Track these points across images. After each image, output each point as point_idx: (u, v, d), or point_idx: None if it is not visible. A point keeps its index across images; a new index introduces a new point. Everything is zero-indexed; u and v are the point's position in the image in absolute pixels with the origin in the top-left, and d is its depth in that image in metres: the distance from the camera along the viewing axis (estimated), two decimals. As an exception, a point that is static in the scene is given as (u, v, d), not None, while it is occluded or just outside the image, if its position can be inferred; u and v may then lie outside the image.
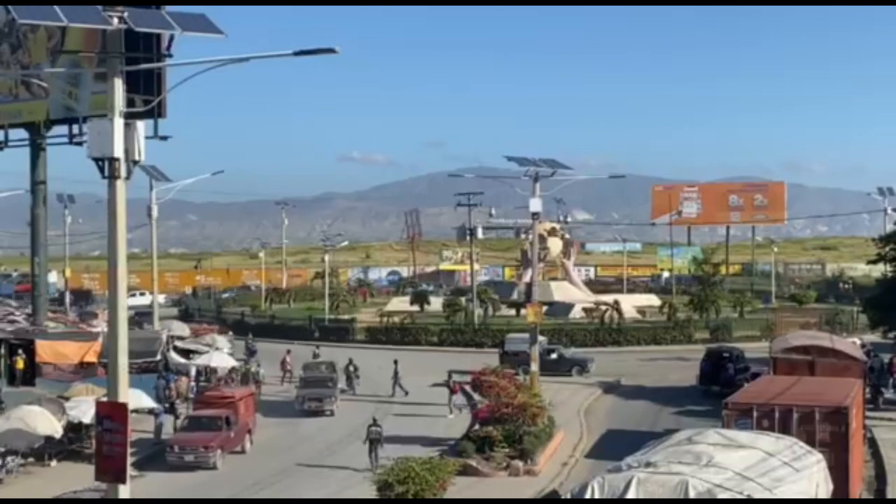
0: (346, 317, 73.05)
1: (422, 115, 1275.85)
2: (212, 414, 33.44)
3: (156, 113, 30.91)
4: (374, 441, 31.14)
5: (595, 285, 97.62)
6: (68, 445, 32.00)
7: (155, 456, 32.57)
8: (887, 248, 52.74)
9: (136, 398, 29.90)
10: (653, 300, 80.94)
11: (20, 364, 39.73)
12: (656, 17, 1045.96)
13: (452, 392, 39.83)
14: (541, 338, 43.84)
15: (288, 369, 48.16)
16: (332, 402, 40.48)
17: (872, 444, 31.93)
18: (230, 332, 61.38)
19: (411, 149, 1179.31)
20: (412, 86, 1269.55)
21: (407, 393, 43.90)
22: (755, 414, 22.89)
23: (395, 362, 44.89)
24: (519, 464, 30.38)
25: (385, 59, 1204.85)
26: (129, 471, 14.99)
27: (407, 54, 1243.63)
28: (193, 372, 43.95)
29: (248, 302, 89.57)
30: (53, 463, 31.09)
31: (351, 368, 45.02)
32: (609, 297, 72.10)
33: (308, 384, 41.36)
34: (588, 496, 15.94)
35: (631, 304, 74.64)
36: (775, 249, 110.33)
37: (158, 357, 42.32)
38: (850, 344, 38.91)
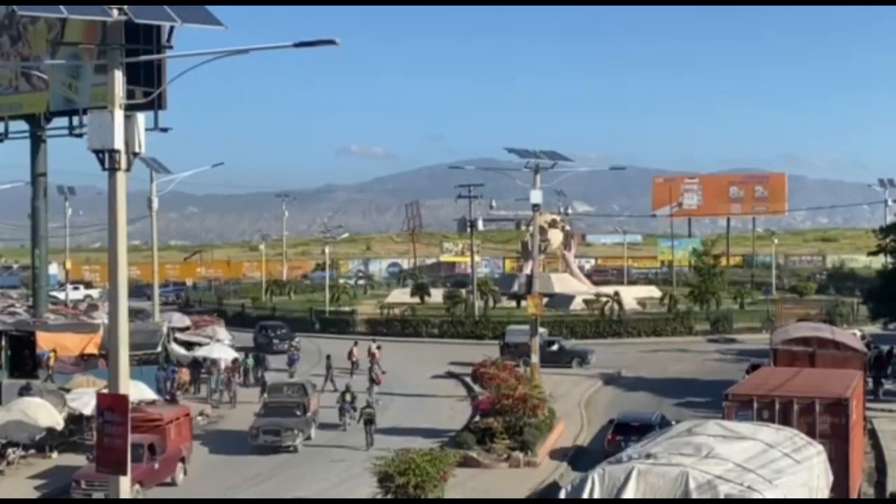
0: (346, 308, 73.16)
1: (420, 108, 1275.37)
2: (131, 440, 29.45)
3: (156, 105, 31.13)
4: (369, 422, 33.13)
5: (595, 276, 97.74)
6: (69, 437, 32.04)
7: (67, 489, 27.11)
8: (888, 240, 52.86)
9: (137, 390, 29.94)
10: (653, 292, 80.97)
11: (52, 361, 39.63)
12: (656, 12, 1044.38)
13: (375, 383, 40.43)
14: (541, 329, 43.87)
15: (354, 361, 48.09)
16: (295, 436, 32.57)
17: (873, 435, 32.00)
18: (296, 338, 54.88)
19: (410, 142, 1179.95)
20: (410, 80, 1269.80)
21: (336, 389, 41.05)
22: (756, 405, 22.91)
23: (328, 357, 45.26)
24: (519, 455, 30.41)
25: (382, 53, 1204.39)
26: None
27: (405, 49, 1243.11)
28: (223, 365, 43.66)
29: (248, 294, 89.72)
30: (54, 454, 31.09)
31: (347, 398, 36.30)
32: (609, 289, 72.17)
33: (268, 412, 33.89)
34: (588, 488, 15.94)
35: (631, 295, 74.74)
36: (776, 241, 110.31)
37: (159, 349, 42.33)
38: (851, 335, 38.98)
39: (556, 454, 31.80)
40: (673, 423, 29.96)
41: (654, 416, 31.52)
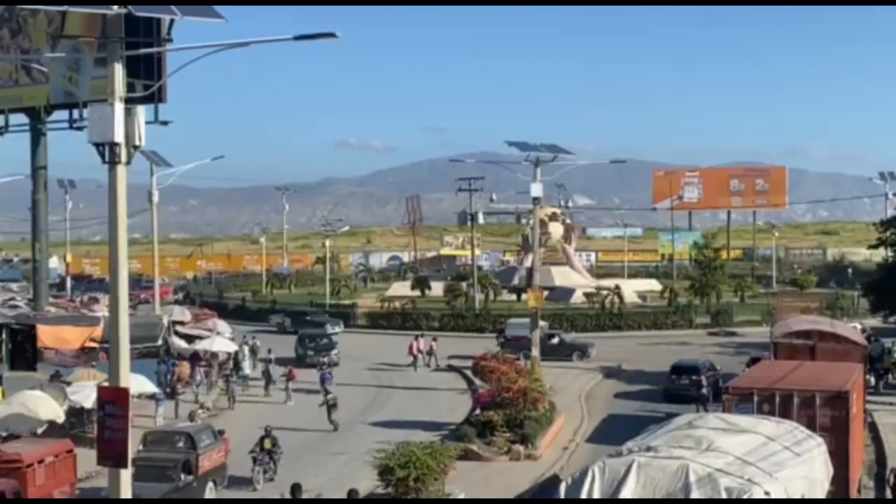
0: (347, 302, 73.17)
1: (419, 101, 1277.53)
2: None
3: (156, 98, 31.20)
4: (332, 406, 34.97)
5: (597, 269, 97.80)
6: (70, 430, 32.04)
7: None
8: (888, 233, 52.86)
9: (138, 383, 29.91)
10: (654, 285, 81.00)
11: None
12: (655, 6, 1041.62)
13: (289, 379, 40.52)
14: (542, 323, 43.88)
15: (416, 355, 48.35)
16: None
17: (873, 428, 32.03)
18: (335, 351, 49.11)
19: (409, 135, 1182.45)
20: (408, 72, 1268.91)
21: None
22: (756, 398, 22.89)
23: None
24: (520, 448, 30.42)
25: (379, 45, 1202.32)
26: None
27: (402, 41, 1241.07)
28: (248, 356, 44.35)
29: (248, 287, 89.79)
30: (55, 447, 31.09)
31: (267, 444, 28.45)
32: (610, 282, 72.19)
33: (135, 473, 21.72)
34: (588, 481, 15.93)
35: (632, 288, 74.76)
36: (776, 234, 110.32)
37: (160, 342, 42.33)
38: (851, 329, 38.96)
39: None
40: (718, 367, 40.25)
41: (702, 361, 40.74)
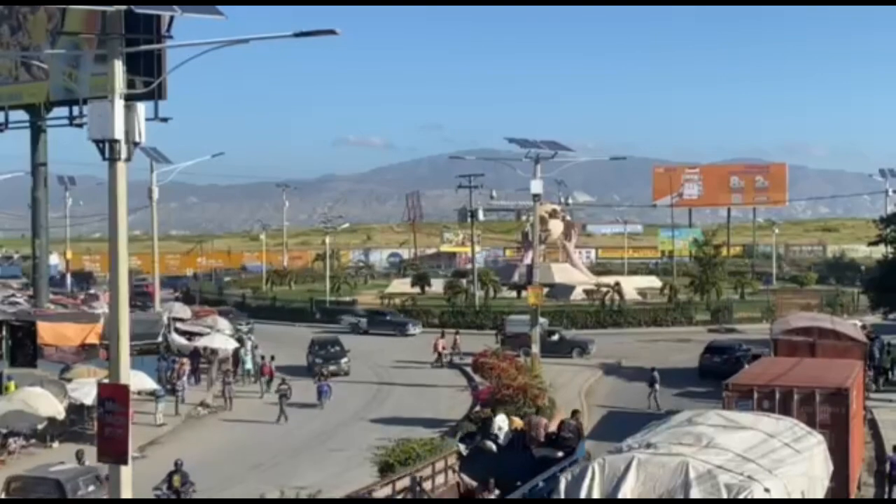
0: (347, 298, 73.15)
1: (417, 98, 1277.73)
2: None
3: (156, 95, 31.21)
4: (283, 396, 36.45)
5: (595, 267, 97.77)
6: (70, 427, 32.10)
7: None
8: (888, 230, 52.86)
9: (138, 380, 29.98)
10: (654, 282, 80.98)
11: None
12: (655, 5, 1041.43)
13: (262, 374, 41.28)
14: (542, 320, 43.87)
15: (440, 351, 48.42)
16: None
17: (872, 425, 32.03)
18: (345, 359, 45.81)
19: (408, 132, 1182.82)
20: (407, 69, 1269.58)
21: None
22: (756, 395, 22.91)
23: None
24: (520, 445, 30.38)
25: (377, 43, 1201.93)
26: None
27: (400, 39, 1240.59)
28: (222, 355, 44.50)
29: (248, 284, 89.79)
30: (55, 444, 31.17)
31: (176, 482, 24.57)
32: (610, 279, 72.18)
33: None
34: (588, 478, 15.91)
35: (632, 285, 74.74)
36: (776, 231, 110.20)
37: (160, 339, 42.35)
38: (851, 326, 38.98)
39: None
40: (749, 348, 42.07)
41: (737, 344, 44.51)
